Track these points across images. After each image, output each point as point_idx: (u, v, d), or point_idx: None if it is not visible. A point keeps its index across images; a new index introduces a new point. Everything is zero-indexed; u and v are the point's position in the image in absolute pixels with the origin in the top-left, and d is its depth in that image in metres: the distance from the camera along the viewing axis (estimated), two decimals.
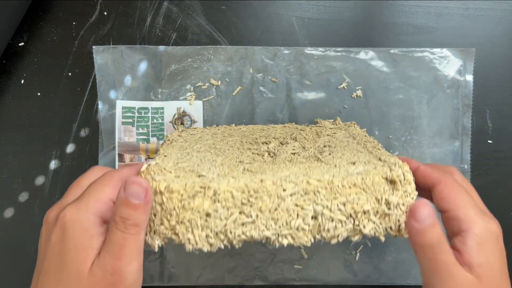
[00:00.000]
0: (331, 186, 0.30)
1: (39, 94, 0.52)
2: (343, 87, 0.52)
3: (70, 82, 0.53)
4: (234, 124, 0.50)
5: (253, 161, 0.36)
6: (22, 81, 0.53)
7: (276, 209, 0.30)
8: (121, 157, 0.50)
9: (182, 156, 0.37)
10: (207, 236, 0.30)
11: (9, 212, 0.51)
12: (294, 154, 0.38)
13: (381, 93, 0.52)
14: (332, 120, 0.51)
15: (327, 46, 0.53)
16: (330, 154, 0.37)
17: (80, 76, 0.53)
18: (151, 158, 0.51)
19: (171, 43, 0.53)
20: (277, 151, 0.39)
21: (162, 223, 0.30)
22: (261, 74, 0.52)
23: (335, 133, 0.45)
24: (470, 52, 0.52)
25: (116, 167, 0.50)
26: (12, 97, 0.52)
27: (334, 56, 0.52)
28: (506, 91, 0.54)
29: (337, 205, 0.30)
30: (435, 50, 0.52)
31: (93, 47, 0.51)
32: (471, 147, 0.52)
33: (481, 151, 0.53)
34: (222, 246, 0.30)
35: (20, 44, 0.53)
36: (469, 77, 0.52)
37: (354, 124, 0.50)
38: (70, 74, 0.53)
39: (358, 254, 0.52)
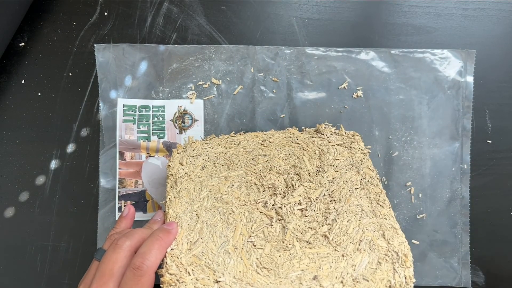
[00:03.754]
0: None
1: (39, 94, 0.52)
2: (344, 87, 0.52)
3: (70, 82, 0.53)
4: (233, 132, 0.50)
5: (264, 236, 0.40)
6: (23, 81, 0.53)
7: None
8: (121, 155, 0.50)
9: (191, 221, 0.40)
10: None
11: (9, 212, 0.51)
12: (302, 211, 0.42)
13: (382, 94, 0.52)
14: (334, 128, 0.49)
15: (327, 46, 0.53)
16: (336, 220, 0.41)
17: (81, 76, 0.53)
18: (152, 156, 0.51)
19: (171, 43, 0.53)
20: (284, 207, 0.42)
21: None
22: (262, 74, 0.52)
23: (338, 159, 0.45)
24: (471, 53, 0.52)
25: (117, 165, 0.50)
26: (12, 97, 0.52)
27: (335, 56, 0.53)
28: (506, 91, 0.54)
29: None
30: (436, 51, 0.53)
31: (95, 45, 0.51)
32: (470, 147, 0.52)
33: (480, 151, 0.53)
34: None
35: (21, 45, 0.53)
36: (470, 78, 0.52)
37: (357, 137, 0.48)
38: (70, 74, 0.53)
39: None
